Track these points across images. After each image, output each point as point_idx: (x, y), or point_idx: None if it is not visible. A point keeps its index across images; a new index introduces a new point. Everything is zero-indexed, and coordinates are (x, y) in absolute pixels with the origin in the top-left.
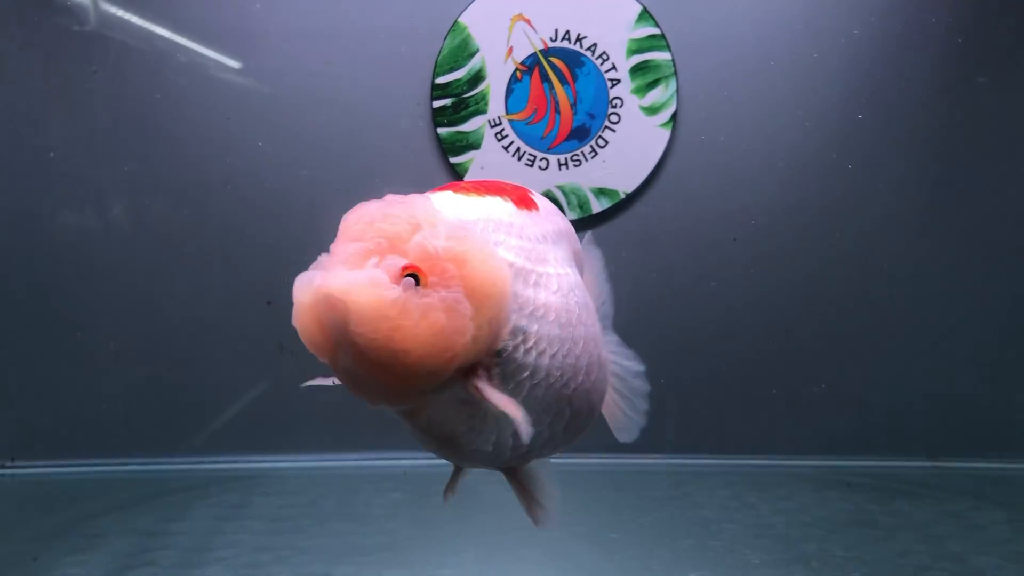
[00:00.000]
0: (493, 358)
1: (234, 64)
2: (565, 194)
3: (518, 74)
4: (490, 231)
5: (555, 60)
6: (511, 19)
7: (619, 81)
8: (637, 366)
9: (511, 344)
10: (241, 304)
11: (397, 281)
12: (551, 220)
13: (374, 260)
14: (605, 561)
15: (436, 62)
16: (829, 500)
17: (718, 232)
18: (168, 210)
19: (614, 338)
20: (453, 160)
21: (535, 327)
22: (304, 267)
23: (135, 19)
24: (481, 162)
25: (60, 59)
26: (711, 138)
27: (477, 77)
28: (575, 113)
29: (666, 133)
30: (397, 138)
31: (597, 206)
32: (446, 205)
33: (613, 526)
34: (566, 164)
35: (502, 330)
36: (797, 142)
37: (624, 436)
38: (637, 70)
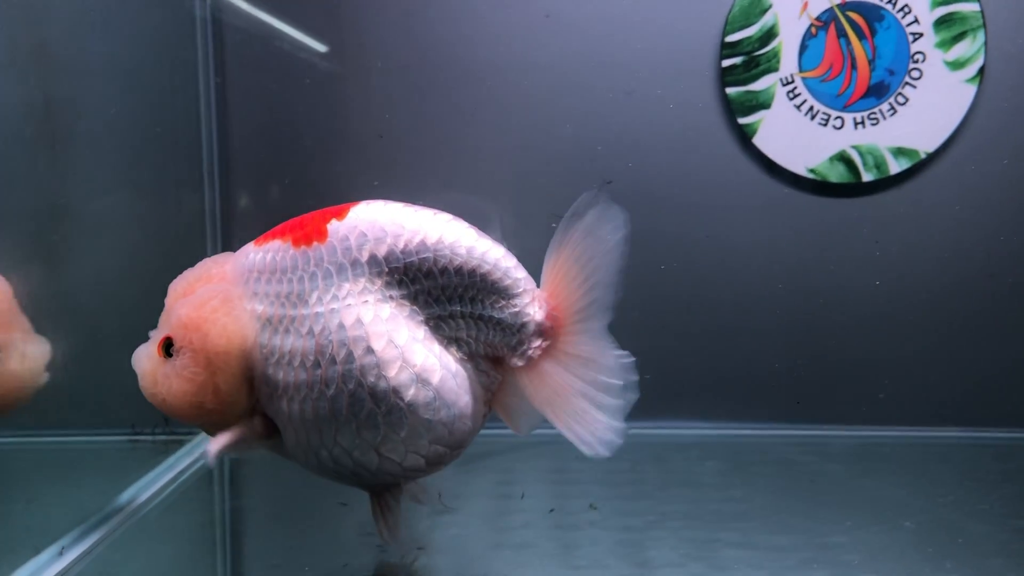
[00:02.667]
0: (258, 404)
1: (512, 28)
2: (861, 154)
3: (813, 30)
4: (254, 283)
5: (853, 15)
6: None
7: (921, 35)
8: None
9: (265, 391)
10: None
11: (159, 352)
12: (341, 246)
13: (156, 333)
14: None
15: (726, 20)
16: None
17: None
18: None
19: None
20: (741, 120)
21: (280, 374)
22: None
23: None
24: (771, 122)
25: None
26: (1022, 93)
27: (769, 34)
28: (873, 69)
29: (972, 89)
30: (681, 99)
31: (895, 167)
32: (238, 257)
33: (963, 505)
34: (862, 123)
35: (255, 381)
36: None
37: (594, 450)
38: (942, 23)
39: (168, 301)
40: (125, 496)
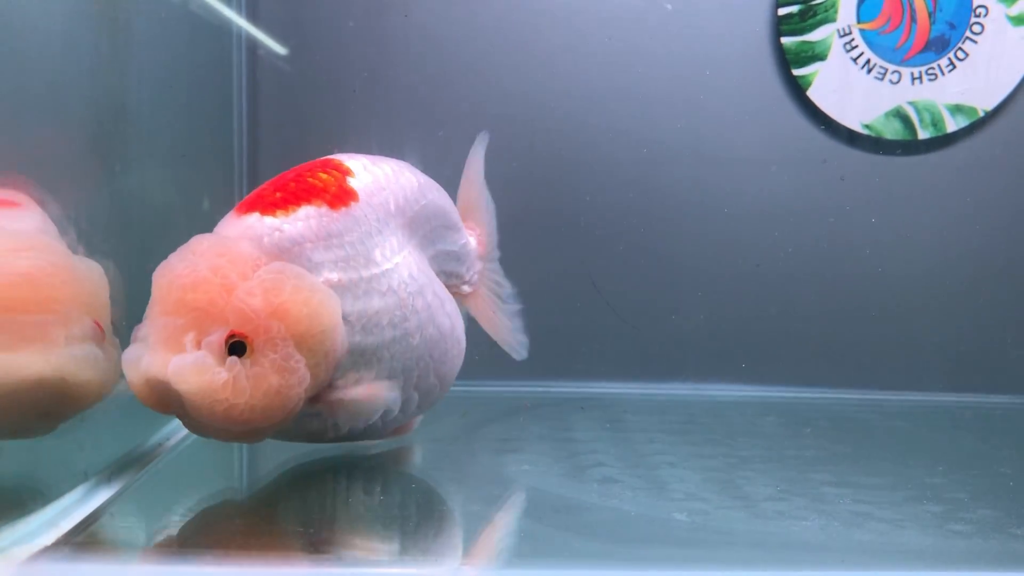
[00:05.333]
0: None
1: None
2: (917, 111)
3: None
4: (309, 254)
5: None
6: None
7: None
8: (508, 288)
9: (349, 362)
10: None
11: (222, 357)
12: (373, 202)
13: (191, 336)
14: None
15: None
16: None
17: None
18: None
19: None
20: (796, 72)
21: (370, 339)
22: None
23: None
24: (826, 74)
25: None
26: None
27: None
28: (933, 23)
29: None
30: (734, 46)
31: (953, 124)
32: (260, 234)
33: None
34: (920, 78)
35: (340, 355)
36: None
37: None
38: None
39: (201, 298)
40: (161, 434)
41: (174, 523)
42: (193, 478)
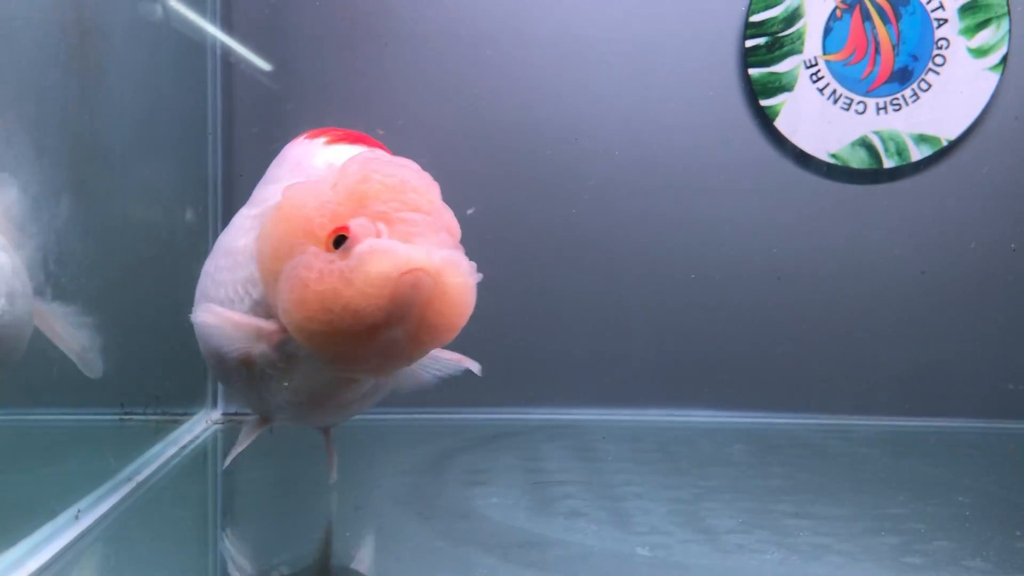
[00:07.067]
0: None
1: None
2: (883, 140)
3: (838, 12)
4: None
5: None
6: None
7: (946, 21)
8: None
9: None
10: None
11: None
12: None
13: (444, 236)
14: None
15: (751, 0)
16: None
17: None
18: (481, 148)
19: None
20: (764, 103)
21: None
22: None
23: None
24: (793, 105)
25: None
26: None
27: (794, 15)
28: (897, 54)
29: (995, 77)
30: (702, 79)
31: (917, 153)
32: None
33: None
34: (885, 108)
35: None
36: None
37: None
38: (967, 9)
39: (438, 204)
40: (132, 468)
41: (143, 561)
42: (164, 515)
